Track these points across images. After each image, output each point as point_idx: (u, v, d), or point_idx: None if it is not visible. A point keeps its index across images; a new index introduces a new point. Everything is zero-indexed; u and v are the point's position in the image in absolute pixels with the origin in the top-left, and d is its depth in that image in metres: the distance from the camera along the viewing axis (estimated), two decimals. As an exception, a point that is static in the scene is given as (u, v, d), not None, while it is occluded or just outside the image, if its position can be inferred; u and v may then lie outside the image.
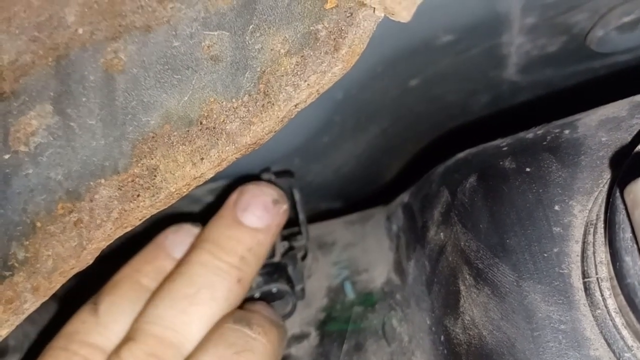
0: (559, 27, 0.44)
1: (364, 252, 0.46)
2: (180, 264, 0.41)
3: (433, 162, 0.43)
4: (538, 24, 0.43)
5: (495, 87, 0.54)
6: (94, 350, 0.39)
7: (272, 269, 0.43)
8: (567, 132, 0.34)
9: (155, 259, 0.42)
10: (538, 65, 0.50)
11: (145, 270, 0.41)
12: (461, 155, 0.38)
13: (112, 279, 0.42)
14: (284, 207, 0.42)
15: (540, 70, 0.52)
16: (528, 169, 0.33)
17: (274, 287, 0.42)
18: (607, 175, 0.31)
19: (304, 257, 0.47)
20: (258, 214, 0.41)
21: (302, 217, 0.47)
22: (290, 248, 0.46)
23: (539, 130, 0.35)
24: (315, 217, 0.55)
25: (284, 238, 0.48)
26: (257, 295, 0.42)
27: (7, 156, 0.33)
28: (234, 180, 0.48)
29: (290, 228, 0.50)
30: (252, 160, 0.47)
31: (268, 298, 0.42)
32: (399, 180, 0.63)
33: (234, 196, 0.43)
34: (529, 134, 0.35)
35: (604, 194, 0.31)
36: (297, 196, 0.47)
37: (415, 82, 0.48)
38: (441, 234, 0.36)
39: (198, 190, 0.49)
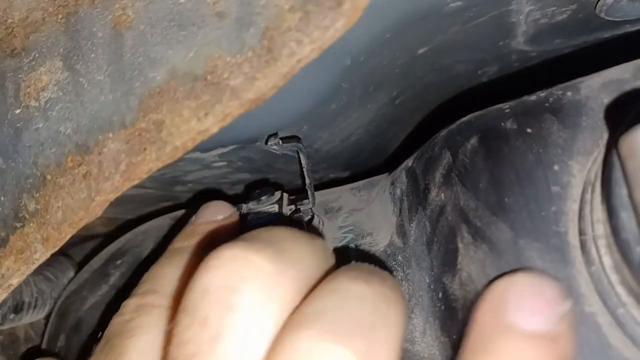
0: (569, -6, 0.44)
1: (369, 216, 0.47)
2: None
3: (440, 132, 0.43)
4: (547, -10, 0.43)
5: (504, 57, 0.54)
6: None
7: (278, 230, 0.43)
8: (569, 94, 0.34)
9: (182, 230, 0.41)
10: (547, 35, 0.50)
11: (174, 240, 0.41)
12: (464, 118, 0.39)
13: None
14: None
15: (549, 40, 0.51)
16: (529, 130, 0.33)
17: (278, 247, 0.42)
18: (607, 136, 0.32)
19: (310, 221, 0.47)
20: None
21: (308, 181, 0.47)
22: (297, 211, 0.47)
23: (542, 93, 0.35)
24: (323, 186, 0.56)
25: (291, 202, 0.49)
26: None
27: (18, 111, 0.34)
28: (244, 146, 0.49)
29: (298, 193, 0.51)
30: (261, 126, 0.47)
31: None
32: (406, 151, 0.63)
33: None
34: (532, 97, 0.35)
35: (603, 154, 0.31)
36: (303, 160, 0.47)
37: (424, 51, 0.48)
38: (442, 194, 0.36)
39: (209, 155, 0.50)
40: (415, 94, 0.56)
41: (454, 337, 0.33)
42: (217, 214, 0.44)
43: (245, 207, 0.50)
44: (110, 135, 0.32)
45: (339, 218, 0.48)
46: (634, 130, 0.24)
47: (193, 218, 0.44)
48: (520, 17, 0.47)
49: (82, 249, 0.67)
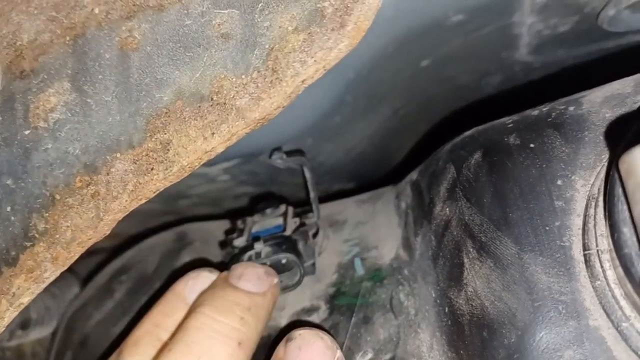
0: (570, 7, 0.44)
1: (374, 229, 0.47)
2: (176, 331, 0.38)
3: (443, 143, 0.44)
4: (549, 3, 0.43)
5: (507, 68, 0.54)
6: None
7: (282, 241, 0.44)
8: (571, 108, 0.34)
9: (174, 311, 0.40)
10: (550, 46, 0.50)
11: (165, 324, 0.40)
12: (468, 133, 0.39)
13: (132, 333, 0.40)
14: (276, 279, 0.41)
15: (552, 51, 0.52)
16: (532, 145, 0.34)
17: (282, 258, 0.43)
18: (609, 151, 0.32)
19: (315, 235, 0.48)
20: (253, 281, 0.40)
21: (313, 195, 0.48)
22: (302, 225, 0.47)
23: (545, 108, 0.35)
24: (328, 198, 0.56)
25: (296, 215, 0.49)
26: (267, 264, 0.43)
27: (27, 132, 0.34)
28: (248, 159, 0.49)
29: (302, 207, 0.51)
30: (265, 140, 0.48)
31: (277, 268, 0.43)
32: (410, 162, 0.63)
33: (223, 273, 0.42)
34: (535, 111, 0.36)
35: (605, 168, 0.31)
36: (308, 174, 0.47)
37: (427, 63, 0.49)
38: (447, 209, 0.37)
39: (213, 169, 0.50)
40: (418, 105, 0.56)
41: (461, 352, 0.34)
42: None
43: (250, 220, 0.50)
44: (118, 155, 0.33)
45: (344, 231, 0.48)
46: (634, 149, 0.25)
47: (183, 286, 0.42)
48: (523, 28, 0.47)
49: (86, 263, 0.68)
